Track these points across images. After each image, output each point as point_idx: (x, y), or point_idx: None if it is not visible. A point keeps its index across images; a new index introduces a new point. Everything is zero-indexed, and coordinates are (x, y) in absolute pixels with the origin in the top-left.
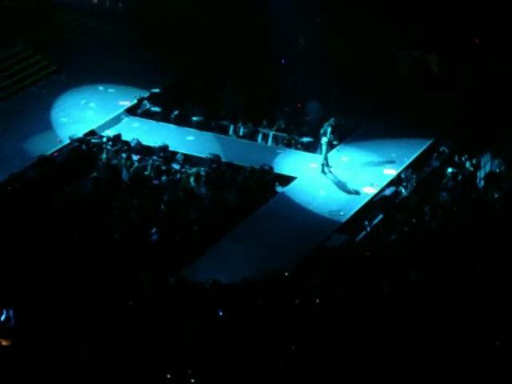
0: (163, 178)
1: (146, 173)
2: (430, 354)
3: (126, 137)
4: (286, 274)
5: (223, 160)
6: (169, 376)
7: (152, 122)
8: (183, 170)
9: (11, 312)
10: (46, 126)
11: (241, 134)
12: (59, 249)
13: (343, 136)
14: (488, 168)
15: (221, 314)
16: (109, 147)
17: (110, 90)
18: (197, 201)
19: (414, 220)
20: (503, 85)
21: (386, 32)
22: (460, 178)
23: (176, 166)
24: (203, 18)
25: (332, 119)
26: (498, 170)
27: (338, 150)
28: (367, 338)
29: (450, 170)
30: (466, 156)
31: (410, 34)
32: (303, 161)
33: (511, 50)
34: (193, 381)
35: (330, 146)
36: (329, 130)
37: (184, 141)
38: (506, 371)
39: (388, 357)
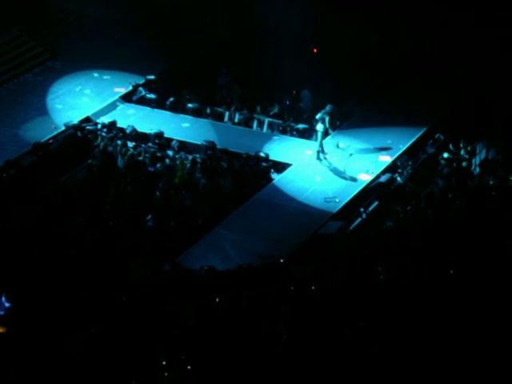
0: (158, 165)
1: (140, 158)
2: (424, 342)
3: (121, 124)
4: (282, 261)
5: (218, 147)
6: (164, 363)
7: (147, 109)
8: (177, 156)
9: (3, 298)
10: (41, 112)
11: (236, 120)
12: (53, 236)
13: (338, 123)
14: (483, 155)
15: (217, 300)
16: (104, 134)
17: (105, 77)
18: (192, 188)
19: (409, 207)
20: (500, 72)
21: (381, 18)
22: (455, 164)
23: (171, 153)
24: (200, 4)
25: (328, 106)
26: (492, 157)
27: (340, 148)
28: (362, 325)
29: (445, 155)
30: (461, 143)
31: (406, 20)
32: (298, 147)
33: (508, 37)
34: (189, 367)
35: (326, 134)
36: (327, 118)
37: (179, 127)
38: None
39: (383, 343)
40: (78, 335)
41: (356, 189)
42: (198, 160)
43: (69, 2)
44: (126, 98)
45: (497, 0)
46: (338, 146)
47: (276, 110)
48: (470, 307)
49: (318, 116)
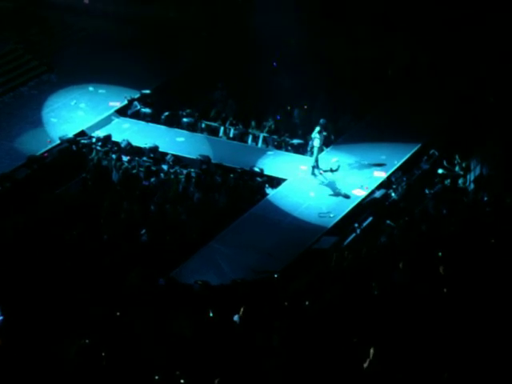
0: (152, 179)
1: (134, 171)
2: (420, 356)
3: (116, 138)
4: (276, 276)
5: (213, 161)
6: (157, 377)
7: (142, 123)
8: (171, 170)
9: None
10: (36, 126)
11: (231, 135)
12: (47, 250)
13: (333, 137)
14: (477, 171)
15: (211, 315)
16: (99, 148)
17: (100, 91)
18: (186, 202)
19: (403, 222)
20: (494, 88)
21: (375, 33)
22: (449, 180)
23: (166, 167)
24: (195, 19)
25: (321, 120)
26: (486, 173)
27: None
28: (356, 340)
29: (440, 171)
30: (455, 159)
31: (401, 35)
32: (293, 163)
33: (503, 52)
34: (182, 381)
35: (321, 149)
36: (318, 135)
37: (174, 142)
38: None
39: (377, 358)
40: (71, 347)
41: (350, 204)
42: (193, 174)
43: (65, 16)
44: (121, 112)
45: (494, 15)
46: (331, 171)
47: (271, 124)
48: (465, 322)
49: (313, 134)
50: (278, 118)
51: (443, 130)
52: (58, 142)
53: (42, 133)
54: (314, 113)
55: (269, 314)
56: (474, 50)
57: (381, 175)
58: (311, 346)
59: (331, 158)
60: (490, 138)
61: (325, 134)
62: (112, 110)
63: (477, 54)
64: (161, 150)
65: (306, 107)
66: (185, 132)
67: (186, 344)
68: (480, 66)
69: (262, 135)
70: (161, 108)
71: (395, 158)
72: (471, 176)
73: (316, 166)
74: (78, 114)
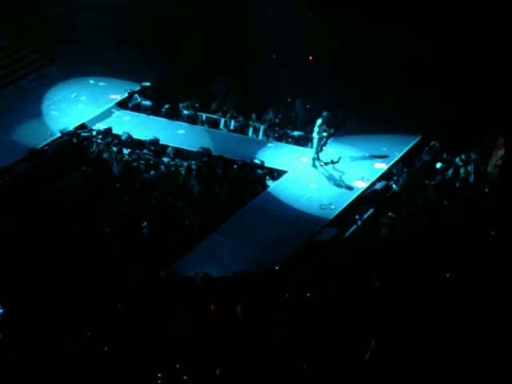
0: (151, 172)
1: (135, 164)
2: (420, 349)
3: (117, 130)
4: (277, 268)
5: (214, 154)
6: (159, 375)
7: (143, 116)
8: (172, 162)
9: None
10: (37, 119)
11: (231, 127)
12: (49, 242)
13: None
14: (478, 163)
15: (211, 307)
16: (99, 141)
17: (100, 84)
18: (187, 194)
19: (404, 214)
20: (494, 82)
21: (375, 27)
22: (450, 172)
23: (166, 160)
24: (195, 11)
25: (324, 113)
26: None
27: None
28: (357, 332)
29: (438, 165)
30: (455, 151)
31: (401, 30)
32: (294, 154)
33: (502, 47)
34: (185, 377)
35: (322, 140)
36: (319, 123)
37: (175, 134)
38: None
39: (378, 351)
40: (72, 341)
41: (351, 196)
42: (193, 167)
43: (66, 9)
44: (122, 105)
45: (495, 13)
46: (332, 162)
47: (271, 118)
48: (467, 313)
49: (316, 125)
50: (280, 117)
51: (443, 124)
52: (59, 135)
53: (42, 126)
54: (314, 105)
55: (270, 306)
56: (474, 49)
57: (382, 167)
58: (313, 338)
59: (329, 149)
60: (490, 137)
61: (325, 126)
62: (112, 103)
63: (477, 54)
64: (161, 142)
65: (308, 107)
66: (185, 124)
67: (187, 341)
68: (480, 66)
69: (262, 127)
70: (161, 101)
71: (396, 149)
72: (471, 167)
73: (317, 158)
74: (79, 106)
